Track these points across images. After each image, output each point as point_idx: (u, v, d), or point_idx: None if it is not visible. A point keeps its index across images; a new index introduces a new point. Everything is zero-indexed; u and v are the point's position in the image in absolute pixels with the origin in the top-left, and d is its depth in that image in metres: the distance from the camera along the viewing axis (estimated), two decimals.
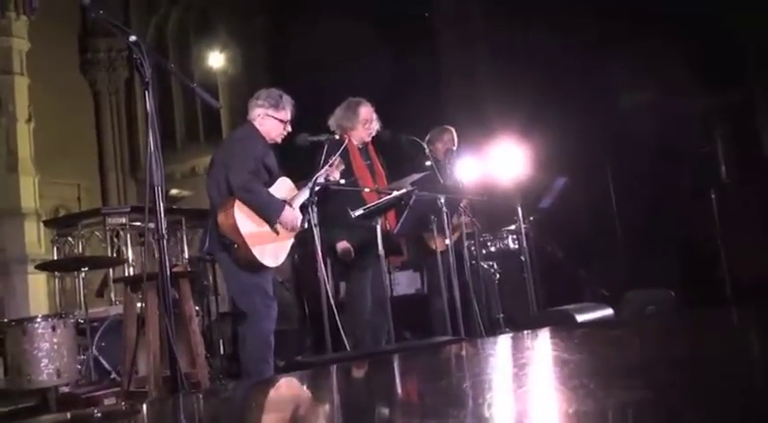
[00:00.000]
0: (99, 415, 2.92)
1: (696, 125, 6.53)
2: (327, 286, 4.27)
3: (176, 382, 3.02)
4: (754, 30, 6.15)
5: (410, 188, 4.52)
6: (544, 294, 6.08)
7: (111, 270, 6.74)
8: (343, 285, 5.22)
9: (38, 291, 10.84)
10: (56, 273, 8.25)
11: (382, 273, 4.44)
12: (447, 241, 4.81)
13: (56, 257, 7.33)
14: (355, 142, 4.81)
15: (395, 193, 4.47)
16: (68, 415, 3.68)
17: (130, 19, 13.28)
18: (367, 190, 4.60)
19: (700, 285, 5.77)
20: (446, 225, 4.71)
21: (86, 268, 5.47)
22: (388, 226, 4.67)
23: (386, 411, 1.92)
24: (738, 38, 6.18)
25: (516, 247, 6.06)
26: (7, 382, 5.06)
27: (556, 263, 6.58)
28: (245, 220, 4.00)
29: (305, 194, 4.25)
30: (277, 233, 4.14)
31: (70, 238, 7.32)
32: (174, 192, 6.78)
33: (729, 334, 2.87)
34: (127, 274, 6.58)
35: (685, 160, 6.52)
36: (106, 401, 4.50)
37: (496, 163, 5.65)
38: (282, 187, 4.26)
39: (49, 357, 4.53)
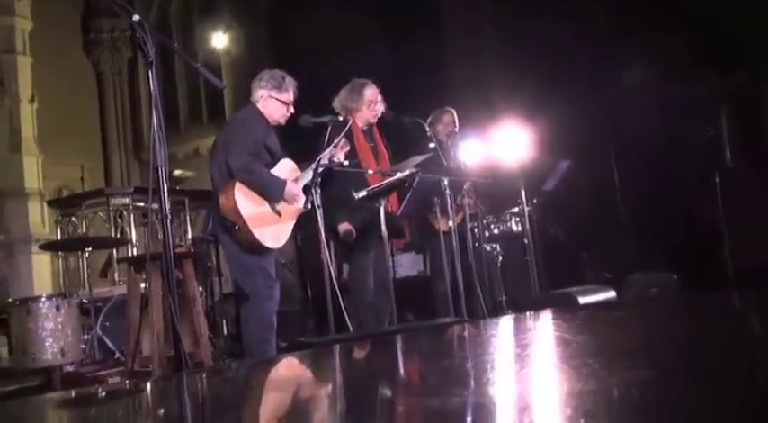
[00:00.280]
0: (103, 393, 2.94)
1: (701, 109, 6.50)
2: (330, 268, 4.28)
3: (180, 361, 3.03)
4: (758, 13, 6.11)
5: (413, 170, 4.51)
6: (547, 277, 6.09)
7: (114, 250, 6.76)
8: (346, 267, 5.24)
9: (42, 271, 10.88)
10: (60, 253, 8.29)
11: (385, 254, 4.45)
12: (450, 223, 4.82)
13: (60, 238, 7.36)
14: (360, 124, 4.80)
15: (398, 175, 4.46)
16: (73, 393, 3.70)
17: None
18: (370, 172, 4.60)
19: (703, 269, 5.77)
20: (449, 207, 4.71)
21: (90, 248, 5.49)
22: (390, 208, 4.67)
23: (388, 391, 1.93)
24: (743, 21, 6.14)
25: (519, 229, 6.06)
26: (12, 361, 5.10)
27: (559, 245, 6.58)
28: (245, 202, 4.01)
29: (308, 175, 4.25)
30: (279, 215, 4.14)
31: (74, 219, 7.35)
32: (177, 173, 6.78)
33: (731, 317, 2.87)
34: (130, 255, 6.60)
35: (690, 144, 6.50)
36: (110, 380, 4.53)
37: (500, 145, 5.64)
38: (284, 168, 4.26)
39: (54, 337, 4.56)
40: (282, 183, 4.13)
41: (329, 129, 4.52)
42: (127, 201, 7.03)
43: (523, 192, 5.59)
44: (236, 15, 11.21)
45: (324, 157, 4.28)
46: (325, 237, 4.29)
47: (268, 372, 2.94)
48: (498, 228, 6.19)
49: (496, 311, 5.65)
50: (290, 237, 4.39)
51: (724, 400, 1.27)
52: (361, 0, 8.38)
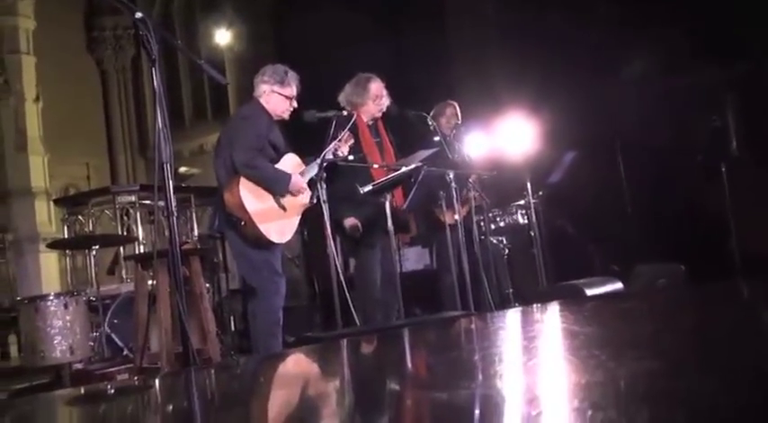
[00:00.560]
0: (112, 390, 2.95)
1: (706, 99, 6.47)
2: (337, 262, 4.28)
3: (188, 357, 3.04)
4: (763, 1, 6.07)
5: (418, 164, 4.50)
6: (553, 269, 6.08)
7: (121, 248, 6.78)
8: (352, 262, 5.24)
9: (49, 269, 10.92)
10: (67, 251, 8.32)
11: (391, 249, 4.45)
12: (456, 216, 4.81)
13: (67, 236, 7.38)
14: (365, 118, 4.79)
15: (403, 169, 4.46)
16: (82, 390, 3.72)
17: None
18: (375, 166, 4.59)
19: (710, 259, 5.75)
20: (455, 200, 4.70)
21: (97, 246, 5.50)
22: (395, 203, 4.67)
23: (397, 384, 1.93)
24: (747, 9, 6.10)
25: (525, 221, 6.05)
26: (22, 359, 5.12)
27: (565, 237, 6.57)
28: (250, 198, 4.01)
29: (313, 170, 4.25)
30: (284, 210, 4.15)
31: (80, 217, 7.37)
32: (182, 170, 6.79)
33: (739, 307, 2.87)
34: (137, 252, 6.62)
35: (696, 134, 6.47)
36: (119, 377, 4.55)
37: (505, 138, 5.63)
38: (289, 163, 4.26)
39: (62, 334, 4.57)
40: (287, 176, 4.14)
41: (334, 123, 4.52)
42: (133, 198, 7.05)
43: (529, 184, 5.58)
44: (238, 11, 11.20)
45: (328, 152, 4.28)
46: (331, 232, 4.29)
47: (276, 367, 2.95)
48: (504, 220, 6.19)
49: (503, 304, 5.65)
50: (296, 232, 4.40)
51: (732, 390, 1.27)
52: None
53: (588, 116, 6.74)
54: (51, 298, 4.68)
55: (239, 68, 10.69)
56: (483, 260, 5.16)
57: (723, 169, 6.06)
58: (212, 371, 3.32)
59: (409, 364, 2.44)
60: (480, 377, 1.79)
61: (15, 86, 11.41)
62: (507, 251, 6.22)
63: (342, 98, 4.83)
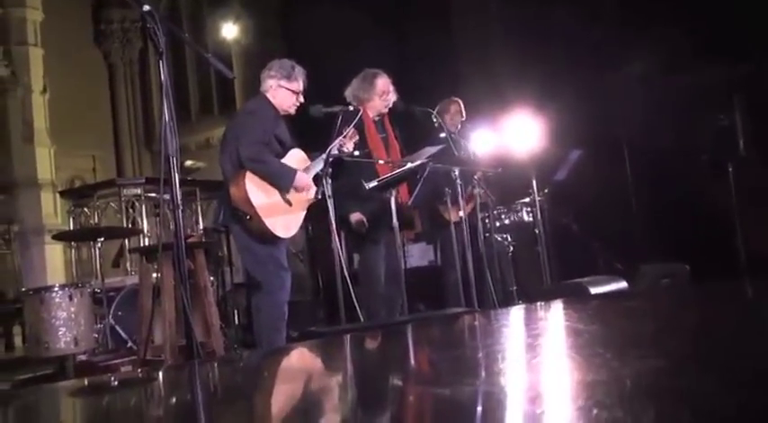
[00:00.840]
0: (116, 382, 2.95)
1: (713, 97, 6.45)
2: (341, 258, 4.28)
3: (192, 350, 3.05)
4: None
5: (424, 161, 4.50)
6: (558, 267, 6.07)
7: (126, 240, 6.80)
8: (356, 257, 5.24)
9: (55, 261, 10.95)
10: (72, 243, 8.34)
11: (396, 245, 4.45)
12: (461, 213, 4.81)
13: (72, 228, 7.40)
14: (371, 114, 4.79)
15: (409, 165, 4.46)
16: (86, 382, 3.73)
17: None
18: (381, 162, 4.59)
19: (715, 259, 5.73)
20: (460, 197, 4.70)
21: (102, 239, 5.51)
22: (400, 199, 4.66)
23: (400, 380, 1.93)
24: (753, 7, 6.07)
25: (530, 219, 6.04)
26: (26, 349, 5.14)
27: (570, 235, 6.56)
28: (256, 192, 4.01)
29: (318, 165, 4.25)
30: (289, 204, 4.15)
31: (86, 209, 7.40)
32: (188, 163, 6.80)
33: (744, 306, 2.86)
34: (142, 245, 6.64)
35: (702, 133, 6.45)
36: (123, 369, 4.56)
37: (511, 135, 5.62)
38: (295, 158, 4.26)
39: (67, 326, 4.59)
40: (293, 172, 4.14)
41: (340, 118, 4.51)
42: (138, 191, 7.07)
43: (534, 181, 5.58)
44: (245, 5, 11.19)
45: (333, 147, 4.27)
46: (336, 227, 4.29)
47: (279, 361, 2.95)
48: (509, 218, 6.18)
49: (507, 301, 5.64)
50: (301, 227, 4.40)
51: (736, 389, 1.27)
52: None
53: (594, 114, 6.73)
54: (56, 289, 4.69)
55: (246, 63, 10.70)
56: (487, 257, 5.16)
57: (730, 168, 6.03)
58: (216, 364, 3.32)
59: (412, 361, 2.44)
60: (483, 374, 1.79)
61: (23, 78, 11.43)
62: (512, 248, 6.22)
63: (348, 93, 4.82)
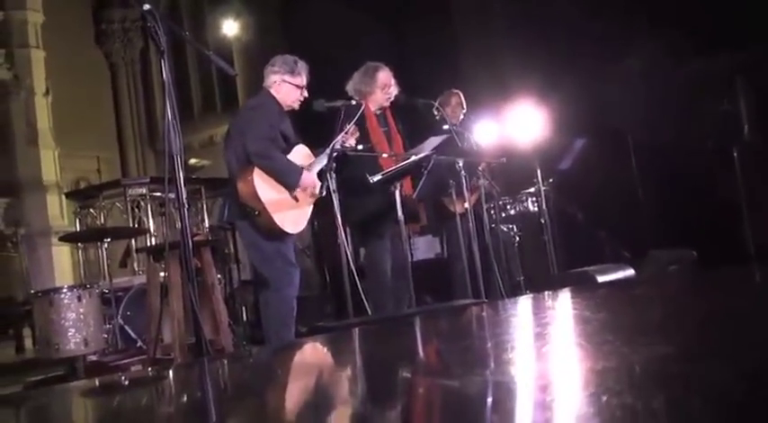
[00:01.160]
0: (126, 381, 2.97)
1: (717, 84, 6.42)
2: (348, 252, 4.28)
3: (201, 348, 3.05)
4: None
5: (428, 153, 4.49)
6: (564, 256, 6.06)
7: (133, 240, 6.81)
8: (363, 251, 5.24)
9: (62, 262, 10.99)
10: (79, 244, 8.36)
11: (402, 238, 4.44)
12: (466, 204, 4.80)
13: (78, 229, 7.42)
14: (373, 107, 4.78)
15: (413, 158, 4.45)
16: (97, 382, 3.75)
17: None
18: (384, 155, 4.58)
19: (722, 244, 5.71)
20: (465, 188, 4.69)
21: (109, 239, 5.52)
22: (404, 192, 4.66)
23: (410, 373, 1.93)
24: None
25: (536, 209, 6.04)
26: (37, 351, 5.16)
27: (576, 224, 6.55)
28: (264, 187, 4.01)
29: (323, 161, 4.25)
30: (296, 200, 4.15)
31: (92, 210, 7.41)
32: (192, 161, 6.79)
33: (752, 292, 2.85)
34: (149, 244, 6.65)
35: (707, 119, 6.42)
36: (133, 368, 4.57)
37: (515, 125, 5.61)
38: (299, 154, 4.26)
39: (76, 327, 4.60)
40: (299, 170, 4.13)
41: (342, 113, 4.50)
42: (143, 191, 7.08)
43: (539, 171, 5.56)
44: (246, 2, 11.19)
45: (336, 143, 4.27)
46: (342, 222, 4.29)
47: (288, 357, 2.96)
48: (515, 208, 6.17)
49: (515, 292, 5.64)
50: (307, 222, 4.39)
51: (745, 375, 1.27)
52: None
53: (597, 103, 6.71)
54: (65, 291, 4.70)
55: (247, 59, 10.69)
56: (493, 248, 5.16)
57: (735, 154, 6.01)
58: (225, 361, 3.33)
59: (421, 353, 2.45)
60: (493, 364, 1.79)
61: (25, 81, 11.46)
62: (518, 239, 6.21)
63: (350, 87, 4.81)
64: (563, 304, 3.29)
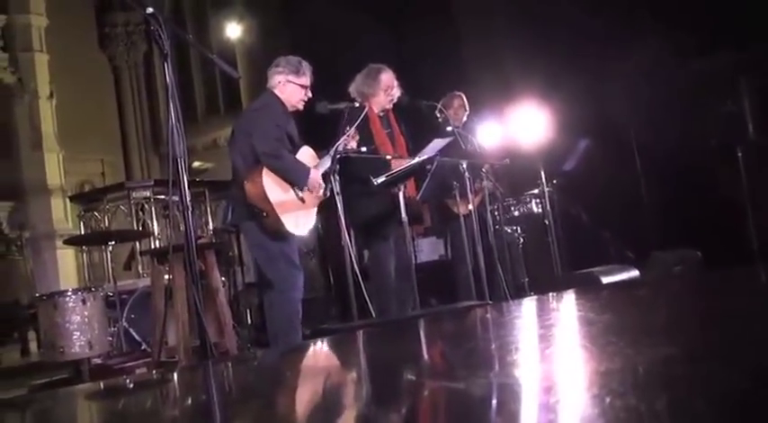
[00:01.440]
0: (131, 384, 2.97)
1: (721, 83, 6.41)
2: (352, 255, 4.28)
3: (205, 351, 3.06)
4: None
5: (431, 155, 4.49)
6: (569, 257, 6.05)
7: (137, 243, 6.82)
8: (367, 253, 5.24)
9: (67, 265, 11.00)
10: (83, 247, 8.37)
11: (406, 240, 4.44)
12: (470, 206, 4.80)
13: (83, 232, 7.44)
14: (376, 109, 4.78)
15: (416, 160, 4.45)
16: (102, 385, 3.75)
17: None
18: (388, 157, 4.58)
19: (727, 245, 5.70)
20: (468, 190, 4.69)
21: (113, 242, 5.53)
22: (408, 194, 4.66)
23: (415, 375, 1.93)
24: None
25: (540, 210, 6.03)
26: (42, 354, 5.17)
27: (580, 225, 6.54)
28: (273, 189, 4.00)
29: (327, 163, 4.25)
30: (303, 201, 4.15)
31: (96, 213, 7.43)
32: (196, 164, 6.81)
33: (757, 292, 2.84)
34: (153, 247, 6.66)
35: (711, 119, 6.41)
36: (138, 371, 4.58)
37: (518, 126, 5.61)
38: (305, 156, 4.27)
39: (81, 330, 4.61)
40: (308, 170, 4.14)
41: (345, 115, 4.51)
42: (147, 194, 7.09)
43: (543, 172, 5.56)
44: (249, 5, 11.20)
45: (339, 145, 4.27)
46: (346, 224, 4.29)
47: (293, 360, 2.96)
48: (519, 209, 6.17)
49: (519, 293, 5.64)
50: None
51: (750, 376, 1.26)
52: None
53: (601, 103, 6.70)
54: (69, 294, 4.71)
55: (251, 62, 10.70)
56: (498, 249, 5.16)
57: (739, 154, 6.00)
58: (230, 364, 3.34)
59: (426, 355, 2.44)
60: (498, 366, 1.79)
61: (29, 84, 11.48)
62: (522, 240, 6.20)
63: (352, 89, 4.81)
64: (567, 306, 3.29)
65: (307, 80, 4.30)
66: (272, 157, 4.02)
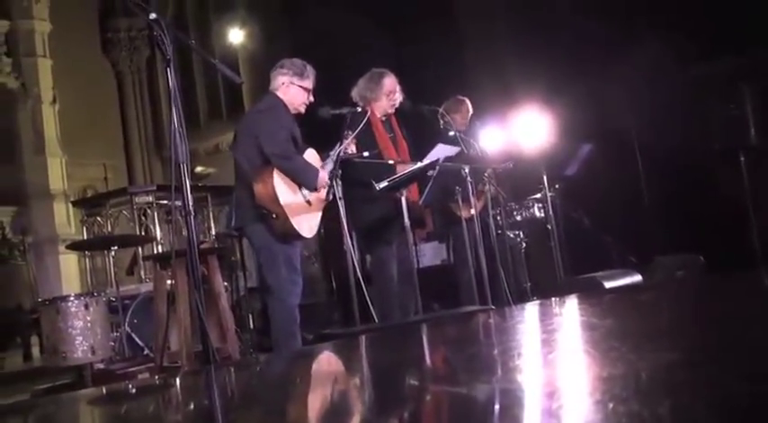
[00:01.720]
0: (134, 389, 2.97)
1: (723, 87, 6.41)
2: (354, 259, 4.27)
3: (208, 356, 3.06)
4: None
5: (433, 159, 4.49)
6: (571, 262, 6.04)
7: (140, 248, 6.83)
8: (369, 258, 5.24)
9: (69, 270, 11.01)
10: (86, 252, 8.38)
11: (408, 245, 4.44)
12: (472, 211, 4.80)
13: (86, 237, 7.45)
14: (378, 114, 4.78)
15: (418, 164, 4.45)
16: (104, 390, 3.76)
17: None
18: (390, 162, 4.59)
19: (729, 249, 5.69)
20: (471, 194, 4.69)
21: (116, 247, 5.53)
22: (412, 198, 4.66)
23: (417, 380, 1.93)
24: None
25: (542, 215, 6.03)
26: (44, 359, 5.18)
27: (582, 230, 6.53)
28: (284, 191, 3.99)
29: (329, 167, 4.26)
30: (309, 204, 4.16)
31: (99, 218, 7.44)
32: (198, 169, 6.82)
33: (760, 297, 2.84)
34: (156, 252, 6.66)
35: (713, 123, 6.41)
36: (140, 376, 4.58)
37: (520, 131, 5.61)
38: (310, 158, 4.27)
39: (84, 335, 4.61)
40: (316, 170, 4.14)
41: (348, 120, 4.51)
42: (150, 199, 7.10)
43: (545, 177, 5.56)
44: (251, 10, 11.23)
45: (342, 150, 4.27)
46: (348, 228, 4.29)
47: (295, 365, 2.96)
48: (521, 214, 6.16)
49: (521, 298, 5.63)
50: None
51: (752, 382, 1.26)
52: None
53: (603, 107, 6.70)
54: (72, 299, 4.71)
55: (253, 67, 10.72)
56: (500, 254, 5.15)
57: (742, 158, 5.99)
58: (232, 369, 3.34)
59: (428, 360, 2.44)
60: (500, 371, 1.78)
61: (32, 89, 11.51)
62: (524, 245, 6.20)
63: (354, 93, 4.82)
64: (570, 311, 3.28)
65: (310, 83, 4.30)
66: (282, 158, 4.02)
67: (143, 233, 7.03)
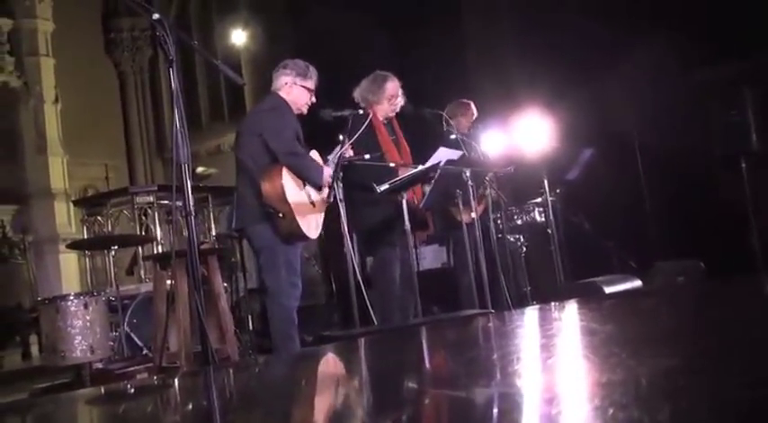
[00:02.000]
0: (132, 389, 2.97)
1: (725, 92, 6.40)
2: (354, 261, 4.27)
3: (207, 356, 3.05)
4: None
5: (435, 162, 4.49)
6: (571, 267, 6.04)
7: (140, 248, 6.82)
8: (369, 261, 5.24)
9: (69, 270, 11.01)
10: (86, 252, 8.39)
11: (409, 247, 4.44)
12: (473, 214, 4.80)
13: (86, 237, 7.44)
14: (379, 117, 4.79)
15: (419, 167, 4.45)
16: (103, 390, 3.75)
17: None
18: (392, 164, 4.58)
19: (730, 255, 5.69)
20: (472, 198, 4.69)
21: (116, 247, 5.53)
22: (415, 200, 4.66)
23: (416, 383, 1.93)
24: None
25: (543, 219, 6.02)
26: (43, 358, 5.17)
27: (583, 235, 6.53)
28: (292, 190, 3.99)
29: (330, 166, 4.26)
30: (313, 205, 4.16)
31: (99, 218, 7.43)
32: (200, 170, 6.81)
33: (760, 303, 2.84)
34: (156, 252, 6.66)
35: (714, 128, 6.41)
36: (139, 376, 4.58)
37: (522, 135, 5.61)
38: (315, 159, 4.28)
39: (83, 334, 4.60)
40: (322, 168, 4.15)
41: (350, 122, 4.51)
42: (151, 199, 7.10)
43: (546, 181, 5.56)
44: (254, 11, 11.23)
45: (343, 152, 4.27)
46: (348, 231, 4.29)
47: (295, 367, 2.96)
48: (522, 218, 6.16)
49: (521, 303, 5.63)
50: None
51: (752, 387, 1.26)
52: None
53: (605, 112, 6.70)
54: (71, 298, 4.71)
55: (255, 68, 10.72)
56: (500, 258, 5.15)
57: (743, 163, 5.99)
58: (231, 370, 3.33)
59: (428, 364, 2.44)
60: (499, 376, 1.78)
61: (34, 89, 11.51)
62: (525, 249, 6.20)
63: (357, 94, 4.82)
64: (570, 315, 3.28)
65: (313, 84, 4.31)
66: (291, 155, 4.02)
67: (143, 233, 7.03)
